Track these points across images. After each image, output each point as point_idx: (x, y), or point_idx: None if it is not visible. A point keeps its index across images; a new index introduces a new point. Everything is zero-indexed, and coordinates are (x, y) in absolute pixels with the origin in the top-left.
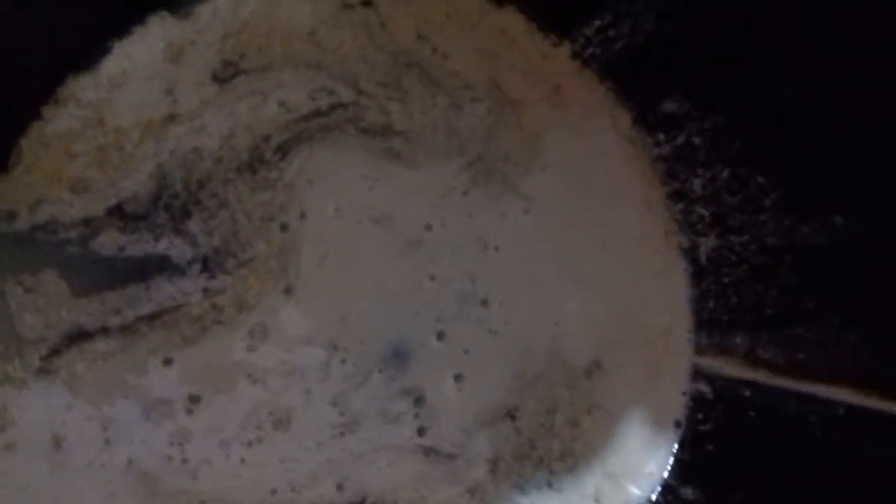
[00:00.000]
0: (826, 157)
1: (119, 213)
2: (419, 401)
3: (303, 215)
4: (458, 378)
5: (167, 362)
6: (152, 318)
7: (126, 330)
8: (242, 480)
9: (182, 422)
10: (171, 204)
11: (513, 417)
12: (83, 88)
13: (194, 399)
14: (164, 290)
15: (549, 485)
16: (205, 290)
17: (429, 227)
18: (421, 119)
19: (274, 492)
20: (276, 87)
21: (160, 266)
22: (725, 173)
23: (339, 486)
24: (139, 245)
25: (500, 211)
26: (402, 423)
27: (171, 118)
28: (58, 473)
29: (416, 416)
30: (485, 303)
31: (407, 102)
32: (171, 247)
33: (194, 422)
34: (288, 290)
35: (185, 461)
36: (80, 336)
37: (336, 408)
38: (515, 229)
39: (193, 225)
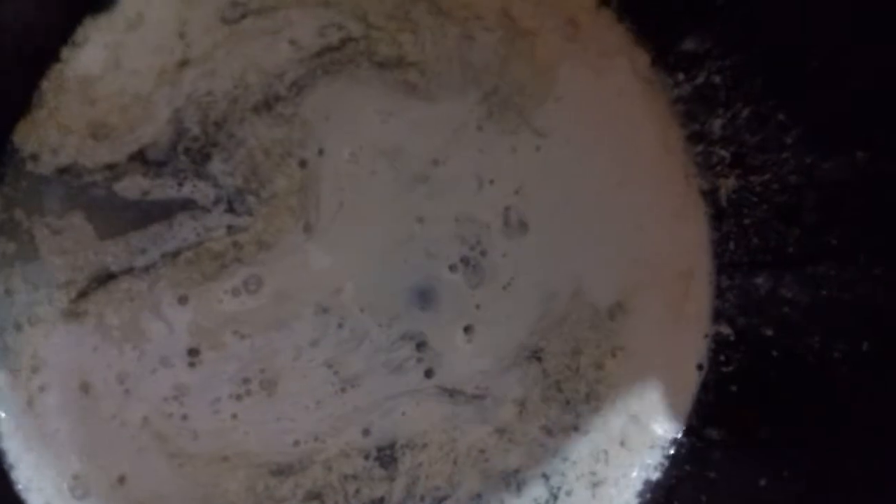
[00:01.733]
0: (848, 91)
1: (141, 159)
2: (421, 345)
3: (321, 152)
4: (468, 328)
5: (183, 300)
6: (175, 254)
7: (150, 269)
8: (262, 433)
9: (183, 377)
10: (191, 148)
11: (539, 359)
12: (100, 30)
13: (193, 352)
14: (187, 227)
15: (576, 427)
16: (228, 228)
17: (436, 163)
18: (433, 50)
19: (297, 443)
20: (285, 25)
21: (185, 206)
22: (746, 112)
23: (365, 433)
24: (163, 190)
25: (510, 146)
26: (409, 370)
27: (185, 62)
28: (89, 420)
29: (421, 360)
30: (511, 236)
31: (418, 34)
32: (195, 190)
33: (195, 376)
34: (308, 229)
35: (184, 417)
36: (107, 277)
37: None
38: (527, 166)
39: (214, 166)
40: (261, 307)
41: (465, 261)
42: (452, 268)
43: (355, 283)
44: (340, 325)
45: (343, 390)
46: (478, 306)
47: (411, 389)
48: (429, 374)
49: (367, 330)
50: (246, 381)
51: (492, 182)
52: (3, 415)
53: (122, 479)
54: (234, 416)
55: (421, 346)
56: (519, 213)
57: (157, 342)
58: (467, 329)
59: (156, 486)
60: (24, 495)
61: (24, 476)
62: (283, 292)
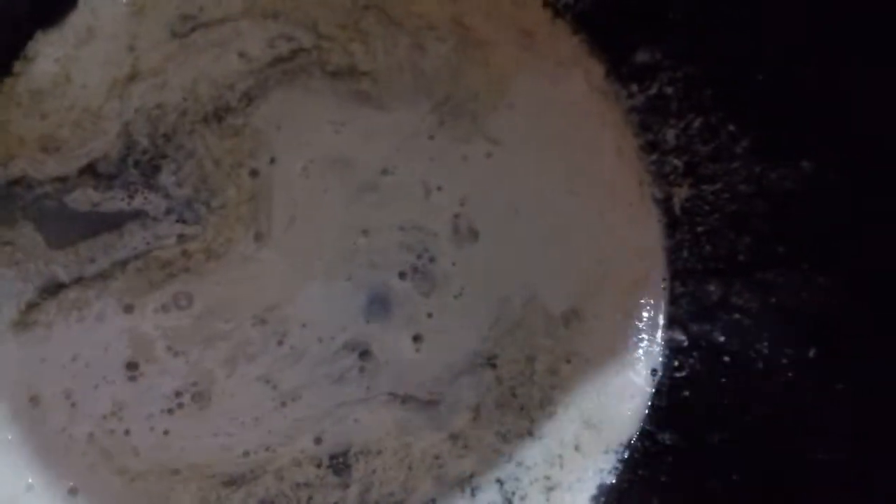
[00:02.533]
0: (794, 103)
1: (92, 172)
2: (365, 355)
3: (273, 161)
4: (417, 337)
5: (128, 309)
6: (125, 263)
7: (99, 277)
8: (198, 449)
9: (122, 391)
10: (140, 160)
11: (493, 366)
12: (51, 45)
13: (132, 366)
14: (138, 236)
15: (530, 433)
16: (179, 237)
17: (385, 172)
18: (385, 60)
19: (247, 454)
20: (234, 37)
21: (135, 216)
22: (698, 122)
23: (317, 441)
24: (113, 202)
25: (462, 154)
26: (352, 380)
27: (134, 76)
28: (39, 433)
29: (363, 369)
30: (461, 244)
31: (369, 43)
32: (145, 202)
33: (133, 390)
34: (258, 238)
35: (126, 432)
36: (56, 288)
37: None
38: (477, 174)
39: (164, 178)
40: (196, 321)
41: (414, 269)
42: (402, 276)
43: (301, 297)
44: (280, 343)
45: (283, 405)
46: (430, 315)
47: (358, 399)
48: (372, 383)
49: (308, 346)
50: (178, 394)
51: (440, 189)
52: None
53: (73, 491)
54: (166, 432)
55: (364, 355)
56: (468, 220)
57: (99, 356)
58: (416, 338)
59: (107, 500)
60: None
61: None
62: (223, 305)
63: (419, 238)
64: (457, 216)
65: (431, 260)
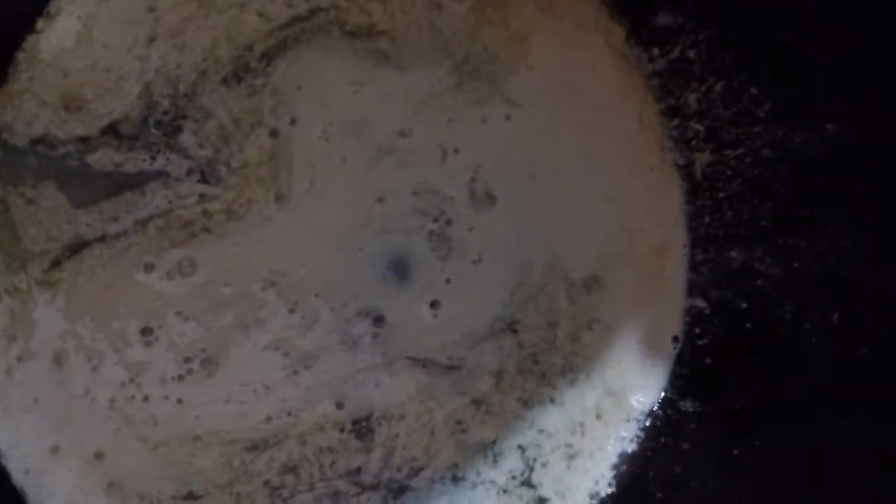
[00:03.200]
0: (818, 65)
1: (114, 133)
2: (379, 320)
3: (293, 121)
4: (435, 303)
5: (149, 268)
6: (147, 221)
7: (121, 236)
8: (224, 411)
9: (139, 356)
10: (161, 121)
11: (514, 331)
12: (73, 2)
13: (147, 331)
14: (160, 195)
15: (552, 399)
16: (200, 196)
17: (402, 134)
18: (403, 18)
19: (269, 419)
20: None
21: (157, 176)
22: (720, 86)
23: (339, 405)
24: (136, 163)
25: (481, 116)
26: (365, 346)
27: (154, 36)
28: (63, 394)
29: (377, 335)
30: (478, 209)
31: (386, 2)
32: (167, 163)
33: (149, 355)
34: (279, 199)
35: (146, 399)
36: (80, 245)
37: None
38: (496, 136)
39: (185, 139)
40: (206, 286)
41: (430, 233)
42: (419, 242)
43: (316, 264)
44: (292, 310)
45: (295, 373)
46: (447, 281)
47: (375, 364)
48: (387, 349)
49: (320, 313)
50: (188, 360)
51: (457, 152)
52: None
53: (99, 455)
54: (180, 400)
55: (378, 321)
56: (485, 184)
57: (117, 318)
58: (434, 304)
59: (131, 465)
60: (4, 462)
61: (4, 443)
62: (237, 269)
63: (435, 202)
64: (473, 180)
65: (448, 223)
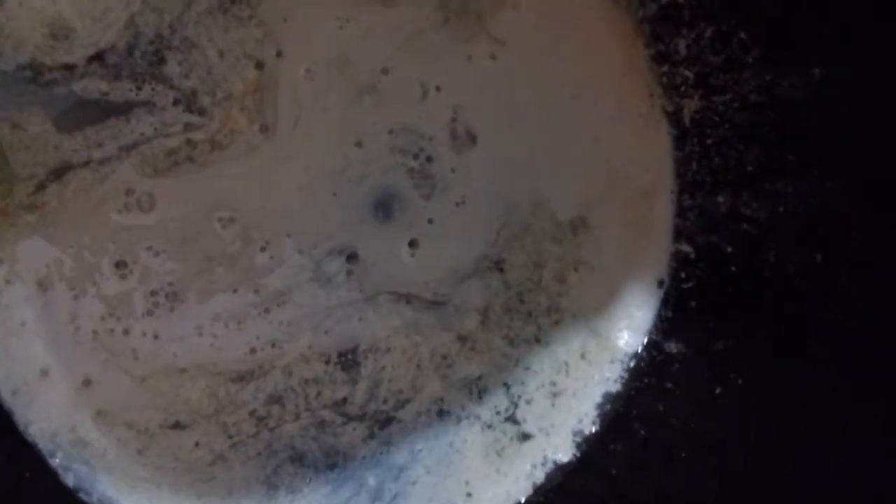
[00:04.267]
0: (805, 10)
1: (100, 62)
2: (352, 258)
3: (279, 54)
4: (413, 242)
5: (129, 193)
6: (131, 148)
7: (105, 161)
8: (199, 345)
9: (115, 289)
10: (146, 51)
11: (501, 270)
12: None
13: (122, 264)
14: (144, 122)
15: (537, 339)
16: (185, 125)
17: (384, 71)
18: None
19: (253, 351)
20: None
21: (143, 105)
22: (709, 32)
23: (325, 337)
24: (122, 92)
25: (466, 54)
26: (339, 284)
27: None
28: (50, 320)
29: (350, 272)
30: (459, 149)
31: None
32: (153, 93)
33: (124, 288)
34: (264, 130)
35: (125, 332)
36: (64, 169)
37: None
38: (480, 75)
39: (170, 69)
40: (177, 220)
41: (411, 171)
42: (401, 181)
43: (293, 202)
44: (263, 248)
45: (267, 310)
46: (430, 221)
47: (352, 300)
48: (362, 285)
49: (290, 254)
50: (154, 294)
51: (438, 90)
52: None
53: (87, 382)
54: (156, 335)
55: (352, 258)
56: (466, 123)
57: (95, 246)
58: (412, 243)
59: (119, 394)
60: None
61: None
62: (215, 204)
63: (414, 140)
64: (454, 120)
65: (429, 160)
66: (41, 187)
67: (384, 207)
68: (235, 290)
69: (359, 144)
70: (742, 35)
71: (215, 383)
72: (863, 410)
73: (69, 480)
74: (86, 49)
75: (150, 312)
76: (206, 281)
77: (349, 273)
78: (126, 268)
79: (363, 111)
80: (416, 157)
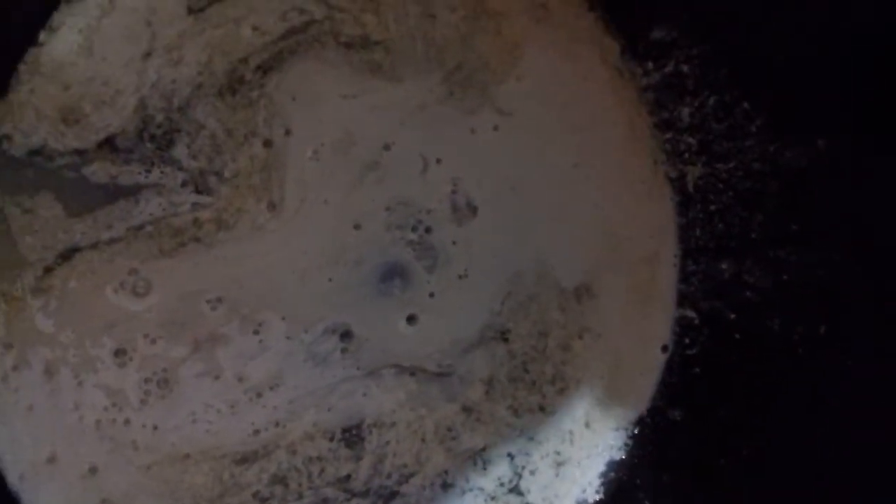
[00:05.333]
0: (809, 81)
1: (110, 147)
2: (346, 336)
3: (288, 132)
4: (412, 318)
5: (133, 272)
6: (139, 228)
7: (113, 242)
8: (195, 432)
9: (114, 379)
10: (155, 134)
11: (505, 340)
12: (74, 15)
13: (119, 353)
14: (153, 203)
15: (542, 408)
16: (193, 205)
17: (387, 147)
18: (397, 29)
19: (257, 432)
20: (248, 12)
21: (152, 187)
22: (712, 101)
23: (328, 414)
24: (131, 176)
25: (469, 126)
26: (334, 362)
27: (151, 51)
28: (55, 407)
29: (346, 350)
30: (461, 221)
31: (380, 13)
32: (162, 176)
33: (123, 378)
34: (271, 208)
35: (126, 422)
36: (73, 252)
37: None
38: (482, 146)
39: (178, 151)
40: (177, 302)
41: (412, 244)
42: (403, 253)
43: (291, 285)
44: (256, 332)
45: (259, 395)
46: (431, 294)
47: (350, 376)
48: (358, 362)
49: (281, 336)
50: (147, 381)
51: (439, 162)
52: None
53: (93, 470)
54: (155, 427)
55: (345, 336)
56: (465, 195)
57: (97, 334)
58: (410, 318)
59: (125, 483)
60: (1, 467)
61: (0, 449)
62: (210, 288)
63: (412, 213)
64: (454, 192)
65: (428, 231)
66: (48, 271)
67: (386, 283)
68: (223, 376)
69: (357, 227)
70: (745, 105)
71: (219, 466)
72: (869, 479)
73: None
74: (96, 133)
75: (144, 402)
76: (196, 366)
77: (343, 351)
78: (125, 356)
79: (365, 190)
80: (414, 229)
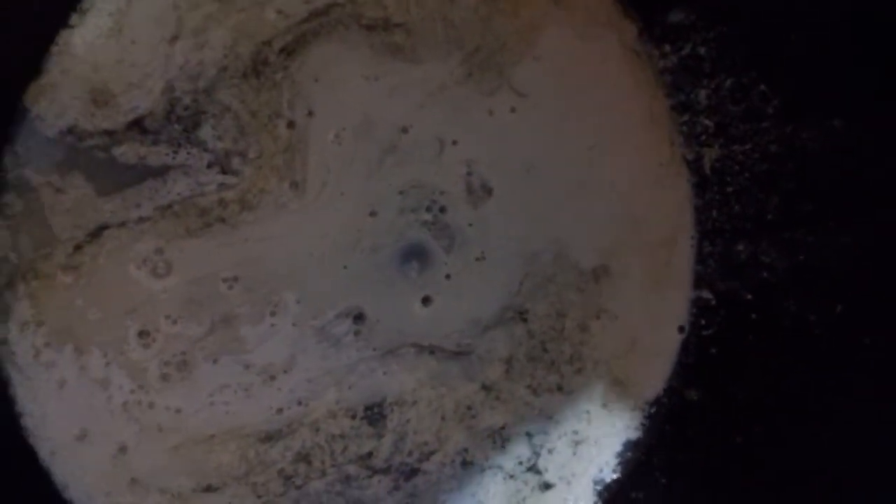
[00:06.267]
0: (825, 62)
1: (139, 128)
2: (359, 318)
3: (310, 114)
4: (426, 299)
5: (158, 252)
6: (166, 208)
7: (141, 221)
8: (215, 414)
9: (140, 355)
10: (182, 116)
11: (524, 320)
12: None
13: (143, 334)
14: (181, 182)
15: (560, 388)
16: (219, 185)
17: (405, 130)
18: (417, 12)
19: (280, 410)
20: None
21: (179, 168)
22: (729, 83)
23: (350, 392)
24: (158, 156)
25: (488, 108)
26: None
27: (178, 34)
28: (85, 383)
29: (358, 332)
30: (476, 203)
31: None
32: (189, 157)
33: (148, 358)
34: (294, 187)
35: (151, 406)
36: (101, 230)
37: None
38: (498, 127)
39: (204, 132)
40: (196, 283)
41: (427, 225)
42: (420, 234)
43: (308, 268)
44: (273, 313)
45: (272, 378)
46: (448, 276)
47: (366, 357)
48: (371, 343)
49: (296, 319)
50: (166, 364)
51: (455, 144)
52: (15, 364)
53: (122, 450)
54: (178, 410)
55: (358, 319)
56: (481, 177)
57: (122, 312)
58: (426, 300)
59: (153, 462)
60: (32, 442)
61: (31, 422)
62: (228, 268)
63: (427, 195)
64: (469, 174)
65: (442, 211)
66: (78, 248)
67: (405, 267)
68: (237, 358)
69: (373, 214)
70: (762, 86)
71: (245, 444)
72: (883, 463)
73: None
74: (125, 115)
75: (165, 384)
76: (212, 347)
77: (357, 333)
78: (149, 336)
79: (383, 175)
80: (428, 209)
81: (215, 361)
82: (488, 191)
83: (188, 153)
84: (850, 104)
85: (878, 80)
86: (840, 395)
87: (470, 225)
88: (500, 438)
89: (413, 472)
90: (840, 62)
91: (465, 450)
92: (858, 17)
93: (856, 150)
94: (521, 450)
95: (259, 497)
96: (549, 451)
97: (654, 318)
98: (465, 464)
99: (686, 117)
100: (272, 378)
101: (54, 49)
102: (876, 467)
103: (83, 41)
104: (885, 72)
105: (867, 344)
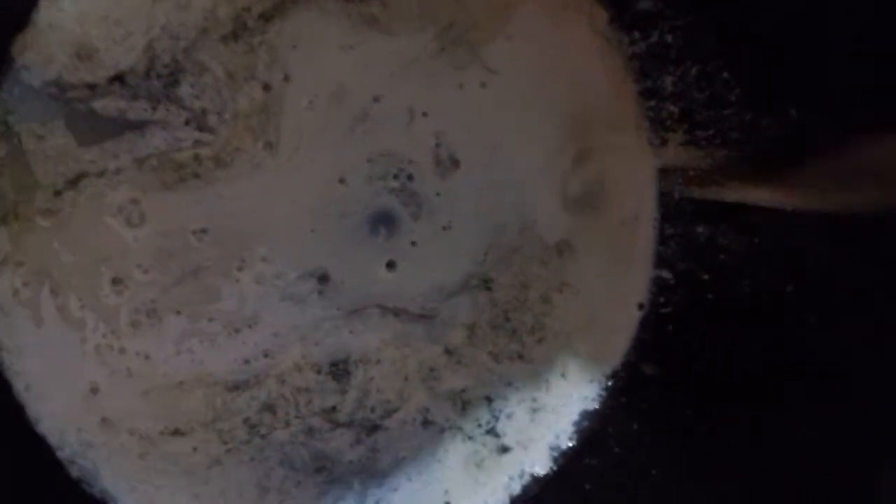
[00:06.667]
0: (785, 53)
1: (119, 83)
2: (323, 279)
3: (286, 78)
4: (391, 264)
5: (134, 202)
6: (143, 160)
7: (119, 172)
8: (182, 362)
9: (112, 304)
10: (162, 73)
11: (489, 288)
12: None
13: (116, 281)
14: (159, 137)
15: (520, 356)
16: (195, 142)
17: (376, 99)
18: None
19: (247, 361)
20: None
21: (158, 123)
22: (695, 70)
23: (315, 348)
24: (138, 112)
25: (458, 82)
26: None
27: None
28: (61, 323)
29: (322, 292)
30: (443, 174)
31: None
32: (167, 113)
33: (120, 304)
34: (268, 147)
35: (121, 351)
36: (80, 177)
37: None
38: (468, 101)
39: (183, 90)
40: (167, 235)
41: (394, 192)
42: (388, 201)
43: (279, 225)
44: (240, 268)
45: (237, 330)
46: (413, 243)
47: (331, 315)
48: (335, 303)
49: (269, 276)
50: (136, 311)
51: (424, 115)
52: None
53: (94, 390)
54: (147, 356)
55: (322, 279)
56: (449, 148)
57: (97, 259)
58: (390, 264)
59: (123, 404)
60: (8, 376)
61: (9, 358)
62: (199, 221)
63: (395, 163)
64: (438, 145)
65: (410, 178)
66: (58, 194)
67: (372, 234)
68: (203, 310)
69: (342, 181)
70: (725, 75)
71: (212, 392)
72: (832, 438)
73: (73, 472)
74: (107, 70)
75: (135, 331)
76: (179, 298)
77: (321, 293)
78: (122, 284)
79: (353, 142)
80: (396, 177)
81: (182, 312)
82: (455, 162)
83: (167, 109)
84: (806, 95)
85: (833, 72)
86: (789, 371)
87: (437, 194)
88: (460, 401)
89: (375, 428)
90: (799, 54)
91: (427, 409)
92: (818, 10)
93: (809, 138)
94: (480, 413)
95: (224, 443)
96: (508, 416)
97: (615, 294)
98: (426, 423)
99: (652, 102)
100: (237, 331)
101: (42, 3)
102: (823, 440)
103: None
104: (840, 65)
105: (813, 323)
